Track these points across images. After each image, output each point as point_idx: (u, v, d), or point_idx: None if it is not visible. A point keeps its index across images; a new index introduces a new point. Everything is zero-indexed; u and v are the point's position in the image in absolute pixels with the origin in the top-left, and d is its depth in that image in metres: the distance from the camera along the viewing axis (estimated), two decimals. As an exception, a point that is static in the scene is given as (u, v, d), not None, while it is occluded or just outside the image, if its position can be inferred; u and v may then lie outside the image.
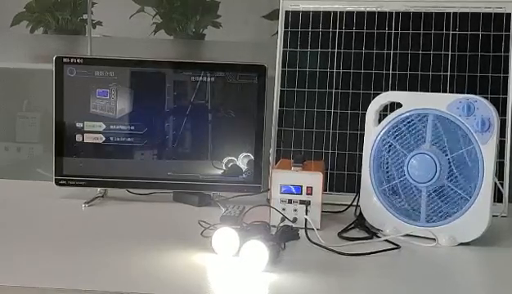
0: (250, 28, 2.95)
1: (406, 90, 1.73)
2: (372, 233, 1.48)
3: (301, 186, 1.49)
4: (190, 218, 1.52)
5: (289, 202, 1.49)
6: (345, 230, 1.49)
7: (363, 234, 1.48)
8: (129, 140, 1.72)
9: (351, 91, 1.78)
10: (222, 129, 1.73)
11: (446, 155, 1.42)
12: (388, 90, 1.72)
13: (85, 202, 1.67)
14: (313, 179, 1.49)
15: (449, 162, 1.42)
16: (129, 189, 1.74)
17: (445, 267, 1.33)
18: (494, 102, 1.45)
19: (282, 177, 1.50)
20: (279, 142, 1.81)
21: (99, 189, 1.73)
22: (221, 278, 1.24)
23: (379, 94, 1.56)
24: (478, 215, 1.40)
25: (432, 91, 1.71)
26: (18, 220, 1.55)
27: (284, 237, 1.38)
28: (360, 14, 1.80)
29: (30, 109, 3.16)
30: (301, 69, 1.82)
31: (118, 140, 1.71)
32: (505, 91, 1.70)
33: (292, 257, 1.31)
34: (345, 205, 1.64)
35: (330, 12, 1.82)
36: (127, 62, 1.72)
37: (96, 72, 1.70)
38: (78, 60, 1.69)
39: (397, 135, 1.49)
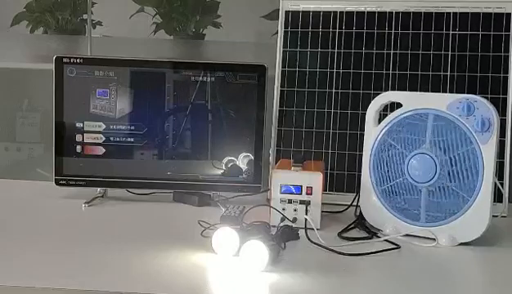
0: (250, 28, 2.96)
1: (406, 90, 1.73)
2: (372, 233, 1.48)
3: (301, 186, 1.49)
4: (190, 218, 1.52)
5: (289, 202, 1.49)
6: (345, 230, 1.49)
7: (363, 234, 1.48)
8: (129, 140, 1.72)
9: (351, 91, 1.78)
10: (222, 129, 1.73)
11: (446, 155, 1.42)
12: (388, 90, 1.72)
13: (85, 202, 1.67)
14: (313, 179, 1.49)
15: (449, 162, 1.42)
16: (129, 189, 1.74)
17: (445, 267, 1.33)
18: (494, 102, 1.45)
19: (282, 177, 1.50)
20: (279, 142, 1.81)
21: (99, 189, 1.73)
22: (221, 278, 1.24)
23: (379, 94, 1.56)
24: (478, 215, 1.40)
25: (432, 91, 1.71)
26: (18, 220, 1.55)
27: (284, 237, 1.38)
28: (360, 14, 1.80)
29: (30, 109, 3.16)
30: (301, 69, 1.82)
31: (118, 140, 1.71)
32: (505, 91, 1.70)
33: (292, 257, 1.31)
34: (345, 205, 1.64)
35: (330, 12, 1.82)
36: (127, 62, 1.72)
37: (96, 72, 1.70)
38: (78, 60, 1.69)
39: (397, 135, 1.49)
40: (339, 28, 1.81)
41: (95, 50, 2.69)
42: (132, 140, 1.72)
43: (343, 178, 1.76)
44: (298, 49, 1.83)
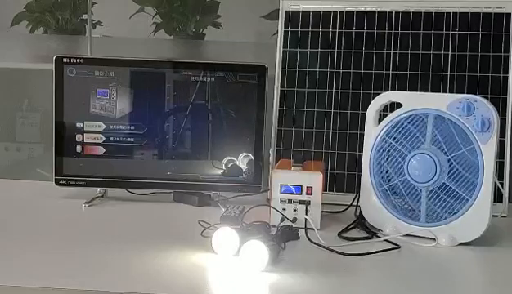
0: (250, 28, 2.96)
1: (406, 90, 1.73)
2: (372, 233, 1.48)
3: (301, 186, 1.49)
4: (190, 218, 1.52)
5: (289, 202, 1.49)
6: (345, 230, 1.49)
7: (363, 234, 1.48)
8: (129, 140, 1.72)
9: (351, 91, 1.78)
10: (222, 129, 1.73)
11: (446, 155, 1.42)
12: (388, 90, 1.72)
13: (85, 202, 1.67)
14: (313, 179, 1.49)
15: (449, 162, 1.42)
16: (129, 189, 1.74)
17: (445, 267, 1.33)
18: (494, 102, 1.44)
19: (282, 177, 1.50)
20: (279, 142, 1.81)
21: (99, 189, 1.73)
22: (221, 278, 1.24)
23: (379, 94, 1.56)
24: (478, 215, 1.40)
25: (432, 91, 1.71)
26: (18, 220, 1.55)
27: (284, 237, 1.38)
28: (360, 14, 1.80)
29: (30, 109, 3.16)
30: (301, 69, 1.82)
31: (118, 140, 1.71)
32: (505, 91, 1.70)
33: (292, 257, 1.31)
34: (345, 205, 1.64)
35: (330, 12, 1.82)
36: (127, 62, 1.72)
37: (96, 72, 1.70)
38: (78, 60, 1.69)
39: (397, 136, 1.49)
40: (339, 28, 1.81)
41: (95, 50, 2.69)
42: (132, 140, 1.72)
43: (343, 178, 1.76)
44: (298, 49, 1.83)
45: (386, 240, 1.43)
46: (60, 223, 1.54)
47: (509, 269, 1.33)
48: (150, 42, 2.92)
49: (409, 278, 1.27)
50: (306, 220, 1.46)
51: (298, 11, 1.84)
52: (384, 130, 1.50)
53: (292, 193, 1.49)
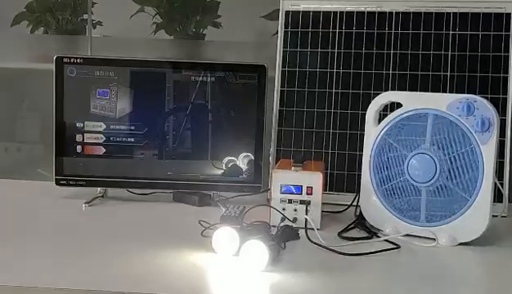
0: (250, 28, 2.95)
1: (406, 90, 1.73)
2: (372, 233, 1.48)
3: (301, 186, 1.49)
4: (190, 218, 1.52)
5: (290, 202, 1.49)
6: (345, 230, 1.49)
7: (363, 234, 1.48)
8: (129, 139, 1.72)
9: (351, 91, 1.78)
10: (222, 129, 1.73)
11: (446, 155, 1.42)
12: (388, 90, 1.72)
13: (85, 202, 1.67)
14: (313, 179, 1.49)
15: (449, 162, 1.42)
16: (129, 189, 1.74)
17: (445, 267, 1.33)
18: (494, 102, 1.45)
19: (282, 177, 1.50)
20: (279, 142, 1.81)
21: (99, 189, 1.73)
22: (221, 278, 1.24)
23: (379, 94, 1.56)
24: (478, 215, 1.40)
25: (432, 91, 1.71)
26: (18, 220, 1.56)
27: (284, 237, 1.38)
28: (360, 14, 1.80)
29: (30, 109, 3.16)
30: (301, 69, 1.82)
31: (118, 139, 1.72)
32: (505, 91, 1.70)
33: (292, 257, 1.31)
34: (345, 205, 1.64)
35: (330, 12, 1.82)
36: (127, 62, 1.72)
37: (96, 72, 1.70)
38: (78, 60, 1.69)
39: (397, 136, 1.49)
40: (339, 28, 1.81)
41: (95, 50, 2.69)
42: (132, 139, 1.72)
43: (343, 178, 1.76)
44: (298, 49, 1.83)
45: (386, 240, 1.43)
46: (60, 223, 1.54)
47: (509, 269, 1.33)
48: (150, 42, 2.92)
49: (409, 278, 1.27)
50: (306, 220, 1.46)
51: (298, 11, 1.84)
52: (384, 130, 1.50)
53: (292, 193, 1.49)
